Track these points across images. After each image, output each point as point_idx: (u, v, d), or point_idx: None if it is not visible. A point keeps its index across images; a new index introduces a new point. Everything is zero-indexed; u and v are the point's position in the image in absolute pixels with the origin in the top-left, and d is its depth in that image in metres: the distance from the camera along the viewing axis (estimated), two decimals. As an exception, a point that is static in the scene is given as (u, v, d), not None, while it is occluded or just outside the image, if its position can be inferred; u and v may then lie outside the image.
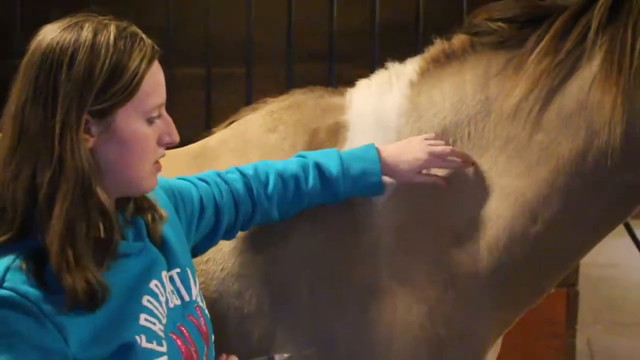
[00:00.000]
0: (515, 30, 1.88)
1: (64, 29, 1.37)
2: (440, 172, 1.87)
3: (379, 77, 2.05)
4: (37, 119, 1.34)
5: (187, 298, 1.57)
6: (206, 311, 1.63)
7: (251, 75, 3.33)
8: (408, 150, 1.85)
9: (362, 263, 1.86)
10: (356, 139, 1.96)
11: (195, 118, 3.23)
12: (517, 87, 1.84)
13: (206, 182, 1.79)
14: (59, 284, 1.30)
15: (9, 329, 1.27)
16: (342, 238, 1.88)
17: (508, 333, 2.06)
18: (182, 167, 1.94)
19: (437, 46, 1.99)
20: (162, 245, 1.56)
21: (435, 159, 1.84)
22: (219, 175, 1.83)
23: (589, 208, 1.84)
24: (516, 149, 1.85)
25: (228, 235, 1.84)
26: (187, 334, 1.52)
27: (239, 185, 1.82)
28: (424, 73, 1.97)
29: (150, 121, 1.42)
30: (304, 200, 1.85)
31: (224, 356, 1.50)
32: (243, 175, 1.84)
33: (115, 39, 1.37)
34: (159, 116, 1.45)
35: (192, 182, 1.77)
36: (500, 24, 1.89)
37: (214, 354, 1.62)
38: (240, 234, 1.89)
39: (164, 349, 1.43)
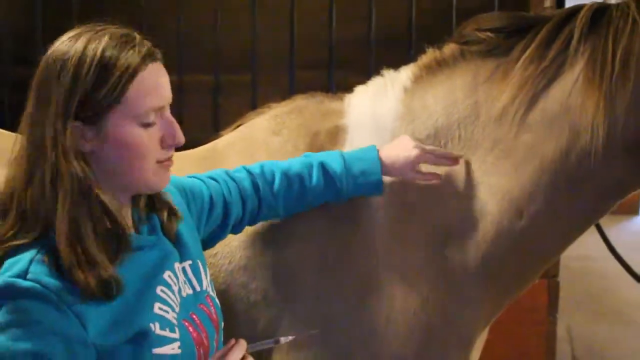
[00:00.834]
0: (502, 40, 1.88)
1: (62, 42, 1.38)
2: (432, 170, 1.86)
3: (375, 84, 2.04)
4: (38, 125, 1.34)
5: (198, 288, 1.57)
6: (216, 300, 1.63)
7: (256, 82, 3.34)
8: (401, 148, 1.84)
9: (361, 255, 1.85)
10: (354, 141, 1.95)
11: (204, 122, 3.23)
12: (504, 92, 1.84)
13: (215, 180, 1.79)
14: (69, 278, 1.29)
15: (33, 318, 1.27)
16: (343, 232, 1.88)
17: (496, 320, 2.05)
18: (192, 168, 1.93)
19: (429, 55, 1.98)
20: (176, 239, 1.56)
21: (426, 155, 1.82)
22: (227, 173, 1.83)
23: (571, 204, 1.83)
24: (503, 150, 1.84)
25: (236, 230, 1.84)
26: (198, 322, 1.52)
27: (246, 183, 1.81)
28: (417, 79, 1.96)
29: (144, 125, 1.38)
30: (308, 198, 1.84)
31: (232, 341, 1.48)
32: (250, 173, 1.83)
33: (105, 47, 1.35)
34: (161, 118, 1.42)
35: (202, 180, 1.77)
36: (488, 33, 1.89)
37: (223, 339, 1.62)
38: (245, 230, 1.88)
39: (176, 335, 1.43)
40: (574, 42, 1.79)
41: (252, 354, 1.50)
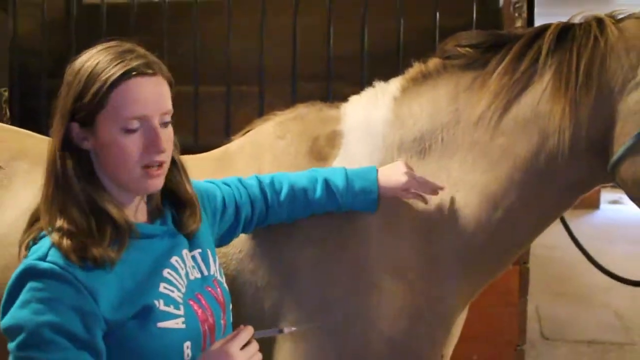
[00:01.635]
0: (479, 54, 1.88)
1: (76, 59, 1.40)
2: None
3: (367, 94, 2.04)
4: (57, 129, 1.39)
5: (206, 273, 1.57)
6: (224, 284, 1.62)
7: (263, 93, 3.33)
8: (394, 172, 1.82)
9: (355, 245, 1.84)
10: (349, 145, 1.95)
11: (217, 128, 3.22)
12: (482, 100, 1.84)
13: (229, 185, 1.79)
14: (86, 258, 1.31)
15: (52, 294, 1.28)
16: (339, 225, 1.86)
17: (473, 301, 2.05)
18: (207, 168, 1.94)
19: (416, 68, 1.97)
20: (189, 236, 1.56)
21: (413, 181, 1.81)
22: (240, 180, 1.83)
23: (541, 198, 1.83)
24: (481, 150, 1.84)
25: (246, 230, 1.84)
26: (204, 301, 1.51)
27: (256, 191, 1.81)
28: (404, 90, 1.96)
29: (127, 130, 1.36)
30: (310, 209, 1.84)
31: (241, 327, 1.47)
32: (260, 182, 1.83)
33: (100, 60, 1.36)
34: (142, 127, 1.37)
35: (217, 185, 1.77)
36: (467, 49, 1.89)
37: (232, 319, 1.61)
38: None
39: (180, 312, 1.43)
40: (542, 56, 1.79)
41: (257, 340, 1.49)
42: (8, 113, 3.60)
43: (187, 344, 1.43)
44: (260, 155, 2.00)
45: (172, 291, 1.44)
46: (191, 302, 1.47)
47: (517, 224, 1.85)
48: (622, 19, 1.78)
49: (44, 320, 1.26)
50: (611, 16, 1.79)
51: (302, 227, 1.87)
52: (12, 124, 3.40)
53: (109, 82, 1.33)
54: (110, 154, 1.37)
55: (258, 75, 3.33)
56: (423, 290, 1.84)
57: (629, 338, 5.34)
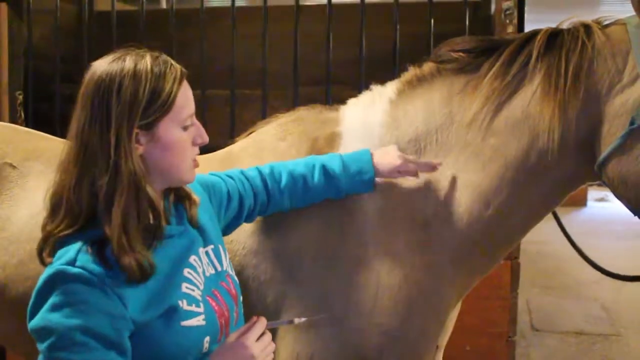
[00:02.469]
0: (472, 59, 1.87)
1: (110, 62, 1.38)
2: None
3: (365, 97, 2.03)
4: (94, 135, 1.34)
5: (219, 268, 1.57)
6: (235, 278, 1.63)
7: (266, 96, 3.32)
8: (388, 155, 1.83)
9: (353, 238, 1.84)
10: (348, 145, 1.94)
11: (223, 129, 3.21)
12: (474, 103, 1.83)
13: (232, 178, 1.79)
14: (117, 263, 1.30)
15: (82, 298, 1.27)
16: (338, 219, 1.86)
17: (467, 294, 2.04)
18: (213, 168, 1.93)
19: (411, 72, 1.97)
20: (199, 226, 1.56)
21: (406, 164, 1.81)
22: (242, 172, 1.83)
23: (531, 196, 1.82)
24: (473, 151, 1.83)
25: (249, 219, 1.83)
26: (219, 297, 1.52)
27: (258, 181, 1.81)
28: (400, 93, 1.95)
29: (184, 128, 1.42)
30: (310, 195, 1.83)
31: (254, 318, 1.48)
32: (261, 173, 1.84)
33: (151, 66, 1.37)
34: (192, 123, 1.45)
35: (221, 178, 1.78)
36: (460, 54, 1.88)
37: (242, 311, 1.62)
38: (256, 221, 1.88)
39: (201, 309, 1.44)
40: (532, 60, 1.78)
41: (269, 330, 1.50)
42: (22, 115, 3.60)
43: (207, 338, 1.44)
44: (263, 155, 1.99)
45: (193, 290, 1.45)
46: (209, 299, 1.48)
47: (508, 220, 1.84)
48: (608, 25, 1.78)
49: (75, 324, 1.26)
50: (598, 22, 1.78)
51: (303, 222, 1.87)
52: (26, 126, 3.40)
53: (174, 89, 1.38)
54: (170, 152, 1.40)
55: (261, 79, 3.33)
56: (418, 283, 1.83)
57: (614, 329, 5.34)
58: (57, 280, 1.28)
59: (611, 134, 1.69)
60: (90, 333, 1.27)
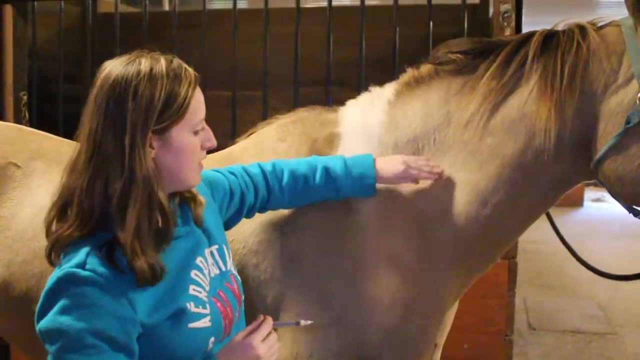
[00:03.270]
0: (469, 60, 1.87)
1: (125, 64, 1.36)
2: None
3: (364, 98, 2.03)
4: (108, 138, 1.33)
5: (223, 268, 1.57)
6: (238, 277, 1.63)
7: (267, 97, 3.32)
8: (391, 161, 1.83)
9: (353, 239, 1.84)
10: (347, 146, 1.94)
11: (223, 130, 3.20)
12: (471, 103, 1.83)
13: (234, 174, 1.79)
14: (129, 266, 1.30)
15: (92, 301, 1.27)
16: (338, 219, 1.86)
17: (464, 293, 2.04)
18: (214, 167, 1.93)
19: (409, 73, 1.96)
20: (204, 226, 1.55)
21: (410, 169, 1.80)
22: (244, 169, 1.82)
23: (528, 195, 1.82)
24: (470, 150, 1.83)
25: (249, 215, 1.83)
26: (224, 297, 1.52)
27: (259, 178, 1.81)
28: (398, 94, 1.95)
29: (196, 132, 1.42)
30: (310, 194, 1.83)
31: (261, 317, 1.49)
32: (263, 169, 1.83)
33: (167, 70, 1.36)
34: (202, 127, 1.44)
35: (223, 174, 1.77)
36: (458, 55, 1.88)
37: (244, 309, 1.63)
38: (256, 219, 1.87)
39: (207, 311, 1.44)
40: (528, 61, 1.78)
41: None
42: (27, 115, 3.60)
43: (212, 339, 1.45)
44: (263, 156, 1.99)
45: (200, 292, 1.45)
46: (214, 300, 1.48)
47: (505, 219, 1.84)
48: (602, 26, 1.78)
49: (85, 327, 1.26)
50: (592, 23, 1.79)
51: (303, 222, 1.87)
52: (31, 125, 3.41)
53: (189, 94, 1.37)
54: (181, 157, 1.40)
55: (262, 80, 3.33)
56: (416, 282, 1.83)
57: (610, 328, 5.34)
58: (67, 283, 1.28)
59: (607, 133, 1.70)
60: (100, 336, 1.27)
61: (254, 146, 2.07)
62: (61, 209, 1.38)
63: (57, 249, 1.35)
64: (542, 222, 1.99)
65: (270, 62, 3.32)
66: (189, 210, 1.52)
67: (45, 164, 2.13)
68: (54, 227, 1.38)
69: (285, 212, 1.88)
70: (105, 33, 3.63)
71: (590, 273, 2.08)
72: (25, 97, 3.61)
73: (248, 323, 1.52)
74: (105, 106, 1.33)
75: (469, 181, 1.82)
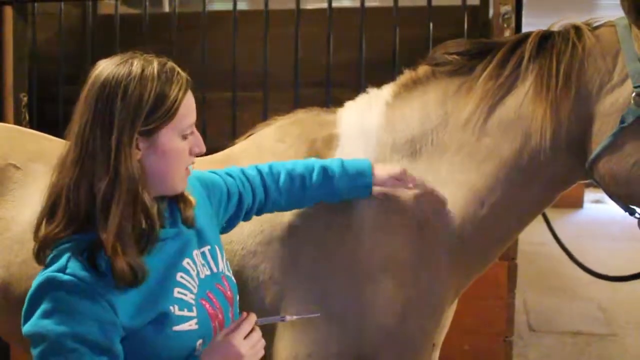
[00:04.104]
0: (466, 61, 1.88)
1: (117, 64, 1.36)
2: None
3: (362, 99, 2.04)
4: (96, 137, 1.33)
5: (215, 269, 1.56)
6: (232, 278, 1.62)
7: (267, 98, 3.33)
8: (387, 165, 1.85)
9: (351, 240, 1.84)
10: (345, 147, 1.95)
11: (224, 131, 3.22)
12: (468, 104, 1.84)
13: (232, 176, 1.79)
14: (110, 268, 1.29)
15: (72, 306, 1.28)
16: (337, 220, 1.86)
17: (464, 295, 2.04)
18: (213, 168, 1.93)
19: (406, 75, 1.98)
20: (196, 227, 1.54)
21: (405, 172, 1.82)
22: (241, 171, 1.82)
23: (525, 195, 1.83)
24: (468, 151, 1.84)
25: (246, 217, 1.83)
26: (214, 299, 1.51)
27: (256, 180, 1.80)
28: (396, 95, 1.95)
29: (184, 137, 1.41)
30: (308, 194, 1.82)
31: (244, 314, 1.47)
32: (260, 171, 1.83)
33: (158, 72, 1.36)
34: (191, 132, 1.44)
35: (221, 176, 1.77)
36: (454, 56, 1.89)
37: (237, 311, 1.61)
38: (254, 221, 1.87)
39: (193, 314, 1.43)
40: (524, 62, 1.80)
41: (260, 327, 1.48)
42: (27, 117, 3.61)
43: (200, 341, 1.44)
44: (262, 157, 1.99)
45: (185, 295, 1.43)
46: (203, 302, 1.47)
47: (502, 219, 1.85)
48: (598, 26, 1.79)
49: (65, 331, 1.26)
50: (588, 24, 1.80)
51: (302, 225, 1.87)
52: (31, 127, 3.41)
53: (179, 97, 1.37)
54: (167, 160, 1.39)
55: (262, 81, 3.33)
56: (414, 283, 1.83)
57: (610, 329, 5.34)
58: (48, 287, 1.28)
59: (602, 133, 1.70)
60: (81, 339, 1.27)
61: (253, 147, 2.07)
62: (51, 208, 1.38)
63: (43, 249, 1.36)
64: (542, 223, 2.00)
65: (270, 63, 3.32)
66: (178, 211, 1.51)
67: (45, 165, 2.13)
68: (42, 227, 1.38)
69: (284, 213, 1.89)
70: (105, 34, 3.63)
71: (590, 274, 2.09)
72: (25, 99, 3.61)
73: None
74: (95, 104, 1.33)
75: (467, 181, 1.83)
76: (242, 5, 5.37)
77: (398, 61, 3.16)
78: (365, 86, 2.08)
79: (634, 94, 1.65)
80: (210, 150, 1.97)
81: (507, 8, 3.06)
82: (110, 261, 1.29)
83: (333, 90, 3.26)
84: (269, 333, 1.79)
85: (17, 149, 2.18)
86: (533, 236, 2.19)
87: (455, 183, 1.84)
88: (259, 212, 1.84)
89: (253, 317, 1.46)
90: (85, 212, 1.33)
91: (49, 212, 1.38)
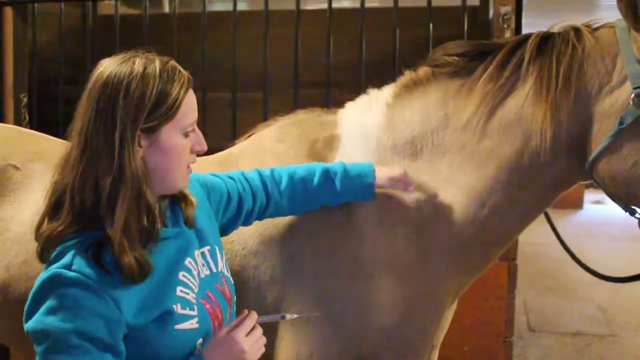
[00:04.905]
0: (466, 63, 1.88)
1: (119, 63, 1.37)
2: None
3: (362, 100, 2.04)
4: (99, 135, 1.33)
5: (214, 269, 1.57)
6: (231, 279, 1.63)
7: (267, 99, 3.33)
8: (388, 168, 1.85)
9: (352, 239, 1.84)
10: (346, 147, 1.95)
11: (224, 131, 3.22)
12: (469, 105, 1.84)
13: (232, 179, 1.79)
14: (116, 264, 1.30)
15: (78, 303, 1.28)
16: (338, 220, 1.86)
17: (464, 295, 2.04)
18: (214, 169, 1.94)
19: (407, 76, 1.98)
20: (196, 227, 1.55)
21: (405, 174, 1.83)
22: (243, 174, 1.82)
23: (525, 195, 1.83)
24: (468, 152, 1.84)
25: (247, 222, 1.83)
26: (213, 299, 1.52)
27: (258, 183, 1.81)
28: (396, 96, 1.95)
29: (185, 135, 1.42)
30: (310, 197, 1.83)
31: (245, 312, 1.48)
32: (261, 175, 1.83)
33: (160, 71, 1.37)
34: (192, 130, 1.44)
35: (221, 178, 1.77)
36: (454, 57, 1.89)
37: (235, 311, 1.61)
38: (256, 222, 1.87)
39: (195, 312, 1.44)
40: (524, 63, 1.80)
41: (261, 325, 1.50)
42: (27, 117, 3.61)
43: (200, 340, 1.45)
44: (262, 157, 2.00)
45: (187, 293, 1.44)
46: (203, 301, 1.48)
47: (502, 220, 1.85)
48: (597, 28, 1.79)
49: (70, 327, 1.26)
50: (587, 25, 1.80)
51: (303, 224, 1.87)
52: (31, 127, 3.41)
53: (180, 95, 1.38)
54: (168, 158, 1.40)
55: (262, 82, 3.33)
56: (414, 283, 1.83)
57: (610, 330, 5.35)
58: (53, 284, 1.28)
59: (601, 134, 1.71)
60: (86, 336, 1.27)
61: (253, 147, 2.08)
62: (54, 206, 1.38)
63: (48, 247, 1.36)
64: (542, 224, 2.00)
65: (271, 63, 3.33)
66: (179, 210, 1.52)
67: (45, 165, 2.13)
68: (44, 225, 1.38)
69: (285, 216, 1.88)
70: (105, 35, 3.64)
71: (590, 275, 2.09)
72: (25, 99, 3.62)
73: None
74: (97, 103, 1.34)
75: (467, 182, 1.83)
76: (242, 6, 5.37)
77: (398, 62, 3.16)
78: (366, 87, 2.08)
79: (632, 95, 1.65)
80: (211, 151, 1.97)
81: (507, 9, 3.06)
82: (118, 257, 1.30)
83: (333, 91, 3.26)
84: (270, 332, 1.80)
85: (16, 149, 2.18)
86: (533, 236, 2.20)
87: (456, 184, 1.84)
88: (261, 216, 1.84)
89: (255, 315, 1.48)
90: (90, 209, 1.34)
91: (52, 210, 1.38)
